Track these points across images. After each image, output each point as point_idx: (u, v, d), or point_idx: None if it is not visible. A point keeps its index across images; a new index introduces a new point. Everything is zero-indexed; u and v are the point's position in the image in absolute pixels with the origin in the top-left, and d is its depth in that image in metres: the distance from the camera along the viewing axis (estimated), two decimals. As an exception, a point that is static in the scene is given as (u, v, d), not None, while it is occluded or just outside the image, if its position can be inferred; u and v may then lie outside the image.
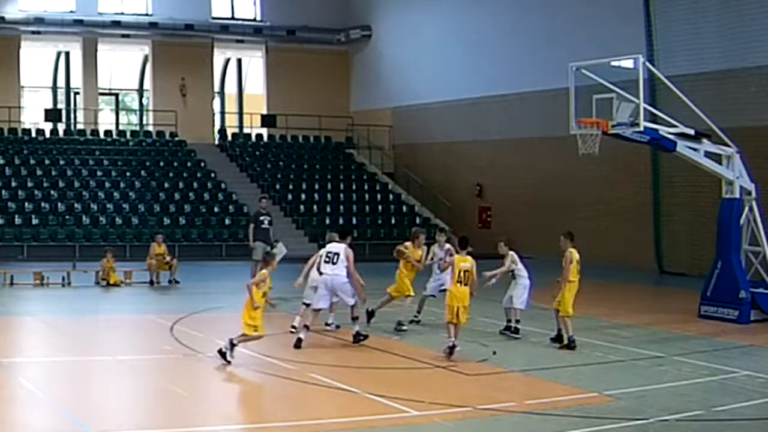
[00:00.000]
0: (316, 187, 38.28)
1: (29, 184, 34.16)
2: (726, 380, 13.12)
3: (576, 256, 15.28)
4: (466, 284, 14.20)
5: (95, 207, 33.64)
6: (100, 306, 21.49)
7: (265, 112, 42.45)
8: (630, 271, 28.33)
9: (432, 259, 17.52)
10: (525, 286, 16.40)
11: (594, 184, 31.16)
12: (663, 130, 18.59)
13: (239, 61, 44.73)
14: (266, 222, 23.65)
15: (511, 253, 16.44)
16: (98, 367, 13.95)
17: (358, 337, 15.42)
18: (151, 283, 24.20)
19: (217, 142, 41.33)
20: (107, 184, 35.21)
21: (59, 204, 33.30)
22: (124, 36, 40.04)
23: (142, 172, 36.55)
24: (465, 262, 14.29)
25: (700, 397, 11.99)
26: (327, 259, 15.34)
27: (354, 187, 38.98)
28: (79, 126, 39.77)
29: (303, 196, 37.38)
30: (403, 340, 15.94)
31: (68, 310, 20.19)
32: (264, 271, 13.86)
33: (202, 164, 38.19)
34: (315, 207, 36.88)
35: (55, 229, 32.07)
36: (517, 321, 16.35)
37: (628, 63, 19.67)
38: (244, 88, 45.02)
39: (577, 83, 18.75)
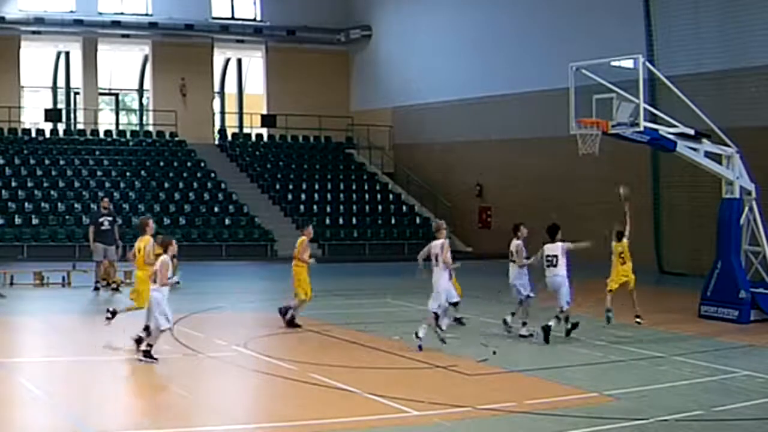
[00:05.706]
0: (316, 187, 38.26)
1: (29, 184, 34.15)
2: (726, 380, 13.10)
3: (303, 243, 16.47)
4: None
5: (95, 207, 33.56)
6: (99, 306, 21.43)
7: (265, 112, 42.43)
8: (630, 271, 28.22)
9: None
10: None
11: (594, 184, 31.11)
12: (663, 130, 18.58)
13: (239, 61, 44.70)
14: (106, 223, 23.18)
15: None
16: (98, 367, 13.94)
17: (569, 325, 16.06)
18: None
19: (217, 142, 41.32)
20: (107, 184, 35.18)
21: (59, 204, 33.28)
22: (124, 36, 40.02)
23: (142, 172, 36.53)
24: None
25: (700, 397, 11.97)
26: (547, 262, 15.86)
27: (354, 187, 38.96)
28: (79, 126, 39.75)
29: (303, 196, 37.37)
30: (403, 340, 15.92)
31: (68, 310, 20.18)
32: None
33: (202, 164, 38.17)
34: (315, 207, 36.87)
35: (55, 229, 32.06)
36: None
37: (628, 63, 19.63)
38: (244, 88, 44.97)
39: (577, 83, 18.73)
